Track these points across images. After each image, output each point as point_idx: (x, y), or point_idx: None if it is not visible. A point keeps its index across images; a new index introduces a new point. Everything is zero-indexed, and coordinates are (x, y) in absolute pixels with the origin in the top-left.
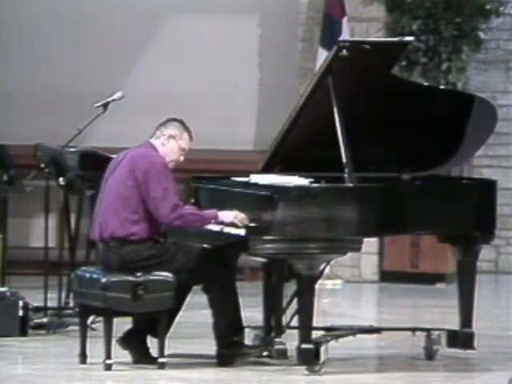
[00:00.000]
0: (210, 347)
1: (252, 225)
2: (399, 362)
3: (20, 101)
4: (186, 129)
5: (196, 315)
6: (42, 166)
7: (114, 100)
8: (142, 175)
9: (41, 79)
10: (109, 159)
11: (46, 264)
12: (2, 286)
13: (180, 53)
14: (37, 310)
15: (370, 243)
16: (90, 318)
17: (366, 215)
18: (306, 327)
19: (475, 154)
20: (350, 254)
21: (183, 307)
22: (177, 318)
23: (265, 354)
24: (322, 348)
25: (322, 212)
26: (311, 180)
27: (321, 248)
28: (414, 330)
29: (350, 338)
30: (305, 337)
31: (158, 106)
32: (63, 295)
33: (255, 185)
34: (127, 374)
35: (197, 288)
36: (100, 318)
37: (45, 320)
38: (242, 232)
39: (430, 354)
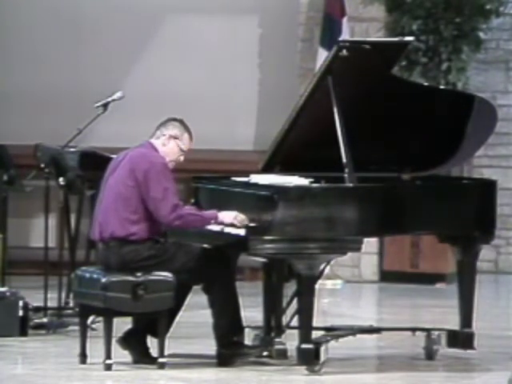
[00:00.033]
0: (210, 347)
1: (252, 225)
2: (399, 361)
3: (20, 101)
4: (187, 129)
5: (196, 315)
6: (42, 165)
7: (114, 100)
8: (142, 175)
9: (41, 79)
10: (109, 159)
11: (46, 264)
12: (2, 285)
13: (180, 53)
14: (37, 309)
15: (370, 243)
16: (90, 318)
17: (366, 215)
18: (305, 327)
19: (475, 154)
20: (349, 254)
21: (183, 307)
22: (177, 318)
23: (265, 354)
24: (322, 348)
25: (322, 212)
26: (311, 180)
27: (321, 248)
28: (414, 329)
29: (350, 338)
30: (305, 337)
31: (158, 106)
32: (63, 295)
33: (255, 185)
34: (127, 373)
35: (197, 288)
36: (100, 318)
37: (45, 320)
38: (242, 232)
39: (430, 354)
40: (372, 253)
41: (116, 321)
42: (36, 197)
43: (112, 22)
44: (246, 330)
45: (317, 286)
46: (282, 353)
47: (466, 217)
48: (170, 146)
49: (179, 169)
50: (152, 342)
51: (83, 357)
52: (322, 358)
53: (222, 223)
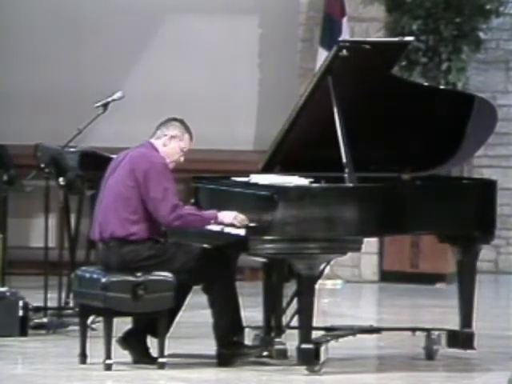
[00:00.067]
0: (210, 347)
1: (252, 225)
2: (399, 361)
3: (20, 101)
4: (187, 129)
5: (196, 315)
6: (42, 165)
7: (114, 100)
8: (142, 175)
9: (41, 79)
10: (109, 159)
11: (46, 264)
12: (2, 285)
13: (180, 53)
14: (37, 309)
15: (370, 243)
16: (90, 318)
17: (366, 215)
18: (306, 327)
19: (475, 154)
20: (350, 254)
21: (183, 307)
22: (177, 318)
23: (265, 354)
24: (322, 348)
25: (322, 212)
26: (311, 180)
27: (321, 248)
28: (414, 329)
29: (350, 338)
30: (305, 337)
31: (158, 106)
32: (63, 295)
33: (255, 185)
34: (127, 373)
35: (197, 288)
36: (100, 318)
37: (45, 320)
38: (242, 232)
39: (430, 354)
40: (372, 253)
41: (116, 321)
42: (36, 197)
43: (112, 22)
44: (246, 330)
45: (317, 286)
46: (281, 353)
47: (465, 217)
48: (170, 147)
49: (179, 169)
50: (152, 342)
51: (83, 357)
52: (322, 358)
53: (221, 223)
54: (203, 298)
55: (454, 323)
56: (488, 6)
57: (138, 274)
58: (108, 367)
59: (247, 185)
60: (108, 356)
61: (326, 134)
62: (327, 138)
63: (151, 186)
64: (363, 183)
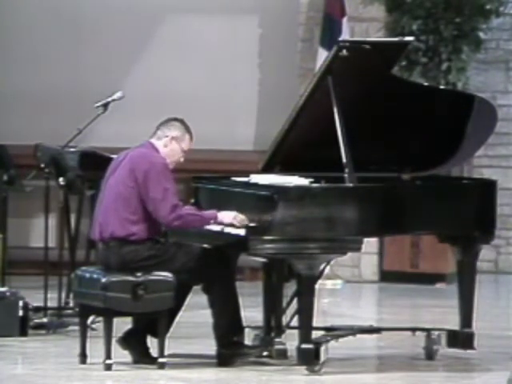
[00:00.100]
0: (210, 347)
1: (252, 225)
2: (399, 361)
3: (20, 101)
4: (188, 130)
5: (196, 315)
6: (42, 165)
7: (114, 100)
8: (141, 175)
9: (41, 79)
10: (109, 159)
11: (46, 264)
12: (2, 285)
13: (180, 53)
14: (37, 310)
15: (370, 243)
16: (90, 318)
17: (366, 215)
18: (306, 327)
19: (475, 154)
20: (350, 254)
21: (183, 307)
22: (177, 318)
23: (265, 354)
24: (322, 348)
25: (322, 212)
26: (311, 180)
27: (321, 248)
28: (414, 329)
29: (350, 338)
30: (305, 337)
31: (158, 106)
32: (63, 295)
33: (255, 185)
34: (127, 373)
35: (197, 288)
36: (100, 318)
37: (45, 320)
38: (242, 232)
39: (430, 354)
40: (372, 253)
41: (116, 321)
42: (36, 197)
43: (112, 22)
44: (246, 330)
45: (317, 286)
46: (281, 353)
47: (466, 217)
48: (171, 148)
49: (179, 169)
50: (152, 342)
51: (83, 357)
52: (322, 358)
53: (221, 223)
54: (203, 298)
55: (454, 323)
56: (488, 6)
57: (138, 274)
58: (108, 367)
59: (247, 185)
60: (108, 356)
61: (325, 134)
62: (327, 138)
63: (151, 186)
64: (363, 183)
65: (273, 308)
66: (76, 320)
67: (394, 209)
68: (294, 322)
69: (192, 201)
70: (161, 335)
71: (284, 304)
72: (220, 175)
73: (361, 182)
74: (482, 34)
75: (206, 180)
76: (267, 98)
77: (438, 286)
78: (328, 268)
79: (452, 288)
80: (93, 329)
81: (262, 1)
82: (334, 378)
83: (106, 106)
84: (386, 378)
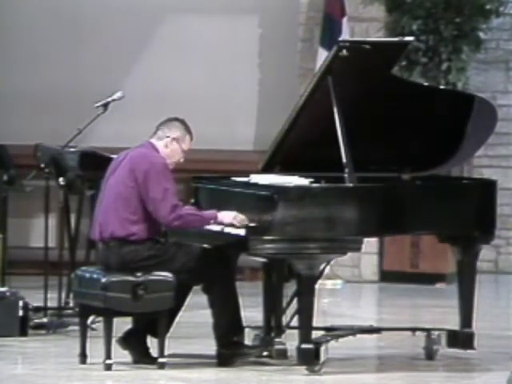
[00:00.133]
0: (210, 347)
1: (252, 225)
2: (399, 361)
3: (20, 101)
4: (188, 130)
5: (196, 315)
6: (42, 165)
7: (114, 100)
8: (141, 175)
9: (41, 79)
10: (109, 159)
11: (46, 264)
12: (2, 285)
13: (180, 53)
14: (37, 309)
15: (370, 243)
16: (90, 318)
17: (366, 215)
18: (306, 327)
19: (475, 154)
20: (350, 254)
21: (183, 307)
22: (177, 318)
23: (265, 354)
24: (322, 348)
25: (322, 212)
26: (311, 180)
27: (321, 248)
28: (414, 329)
29: (350, 338)
30: (305, 337)
31: (158, 106)
32: (63, 295)
33: (255, 185)
34: (127, 373)
35: (197, 288)
36: (100, 318)
37: (45, 320)
38: (242, 232)
39: (430, 354)
40: (372, 253)
41: (116, 321)
42: (36, 197)
43: (112, 22)
44: (246, 330)
45: (317, 286)
46: (281, 353)
47: (466, 217)
48: (172, 148)
49: (179, 169)
50: (152, 342)
51: (83, 357)
52: (322, 358)
53: (221, 223)
54: (203, 298)
55: (454, 323)
56: (488, 6)
57: (138, 274)
58: (108, 367)
59: (247, 185)
60: (108, 356)
61: (326, 134)
62: (327, 138)
63: (151, 186)
64: (363, 183)
65: (273, 308)
66: (76, 320)
67: (394, 209)
68: (294, 322)
69: (192, 201)
70: (161, 335)
71: (284, 304)
72: (220, 175)
73: (361, 182)
74: (482, 34)
75: (206, 180)
76: (267, 98)
77: (438, 285)
78: (328, 268)
79: (452, 288)
80: (93, 329)
81: (261, 1)
82: (334, 377)
83: (106, 105)
84: (385, 378)
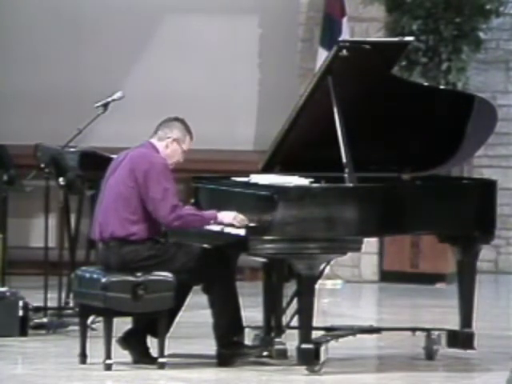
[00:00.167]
0: (210, 347)
1: (252, 225)
2: (399, 361)
3: (20, 101)
4: (188, 130)
5: (196, 315)
6: (42, 165)
7: (114, 100)
8: (141, 175)
9: (41, 79)
10: (109, 159)
11: (46, 264)
12: (2, 285)
13: (180, 53)
14: (37, 310)
15: (370, 243)
16: (90, 318)
17: (366, 215)
18: (306, 327)
19: (475, 154)
20: (350, 254)
21: (183, 307)
22: (177, 318)
23: (265, 354)
24: (322, 348)
25: (322, 212)
26: (311, 180)
27: (321, 248)
28: (414, 329)
29: (350, 338)
30: (305, 337)
31: (158, 106)
32: (63, 295)
33: (255, 185)
34: (127, 373)
35: (197, 288)
36: (100, 318)
37: (45, 320)
38: (242, 232)
39: (430, 354)
40: (372, 253)
41: (116, 321)
42: (36, 197)
43: (112, 22)
44: (246, 330)
45: (317, 286)
46: (281, 353)
47: (466, 217)
48: (173, 149)
49: (179, 169)
50: (152, 342)
51: (83, 357)
52: (322, 358)
53: (221, 223)
54: (203, 298)
55: (454, 323)
56: (488, 6)
57: (138, 274)
58: (108, 367)
59: (247, 185)
60: (108, 356)
61: (326, 134)
62: (327, 138)
63: (151, 186)
64: (363, 183)
65: (273, 308)
66: (76, 320)
67: (394, 209)
68: (294, 322)
69: (192, 201)
70: (161, 335)
71: (284, 304)
72: (220, 175)
73: (361, 182)
74: (482, 34)
75: (206, 180)
76: (267, 98)
77: (438, 285)
78: (328, 268)
79: (452, 288)
80: (93, 329)
81: (261, 1)
82: (334, 377)
83: (106, 105)
84: (385, 378)
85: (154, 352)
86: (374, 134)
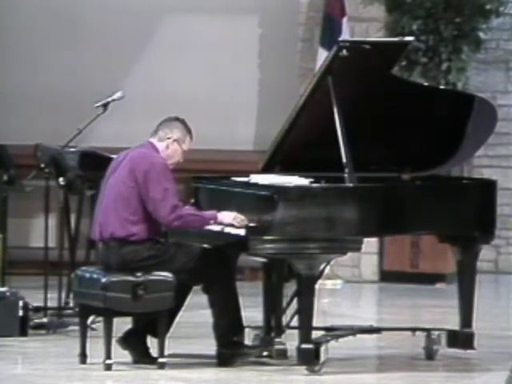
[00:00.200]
0: (210, 347)
1: (252, 225)
2: (399, 361)
3: (20, 101)
4: (188, 130)
5: (196, 315)
6: (42, 165)
7: (114, 100)
8: (141, 175)
9: (40, 79)
10: (109, 159)
11: (46, 264)
12: (2, 285)
13: (180, 53)
14: (37, 310)
15: (370, 243)
16: (90, 318)
17: (366, 215)
18: (306, 327)
19: (475, 154)
20: (350, 254)
21: (183, 307)
22: (177, 318)
23: (265, 354)
24: (322, 348)
25: (322, 212)
26: (311, 180)
27: (321, 248)
28: (414, 329)
29: (350, 338)
30: (305, 337)
31: (158, 106)
32: (63, 295)
33: (255, 185)
34: (127, 373)
35: (197, 288)
36: (100, 318)
37: (45, 320)
38: (242, 232)
39: (430, 354)
40: (372, 253)
41: (116, 321)
42: (36, 197)
43: (111, 22)
44: (246, 330)
45: (317, 286)
46: (281, 353)
47: (466, 217)
48: (173, 149)
49: (179, 169)
50: (152, 342)
51: (83, 357)
52: (322, 358)
53: (221, 223)
54: (203, 298)
55: (454, 323)
56: (488, 6)
57: (138, 274)
58: (108, 367)
59: (247, 185)
60: (108, 356)
61: (326, 134)
62: (327, 138)
63: (151, 187)
64: (363, 183)
65: (273, 308)
66: (76, 320)
67: (394, 209)
68: (294, 322)
69: (192, 201)
70: (161, 335)
71: (284, 304)
72: (220, 175)
73: (361, 182)
74: (482, 34)
75: (206, 180)
76: (267, 98)
77: (438, 285)
78: (328, 268)
79: (452, 288)
80: (93, 329)
81: (261, 1)
82: (334, 377)
83: (105, 105)
84: (385, 378)
85: (154, 352)
86: (373, 134)
